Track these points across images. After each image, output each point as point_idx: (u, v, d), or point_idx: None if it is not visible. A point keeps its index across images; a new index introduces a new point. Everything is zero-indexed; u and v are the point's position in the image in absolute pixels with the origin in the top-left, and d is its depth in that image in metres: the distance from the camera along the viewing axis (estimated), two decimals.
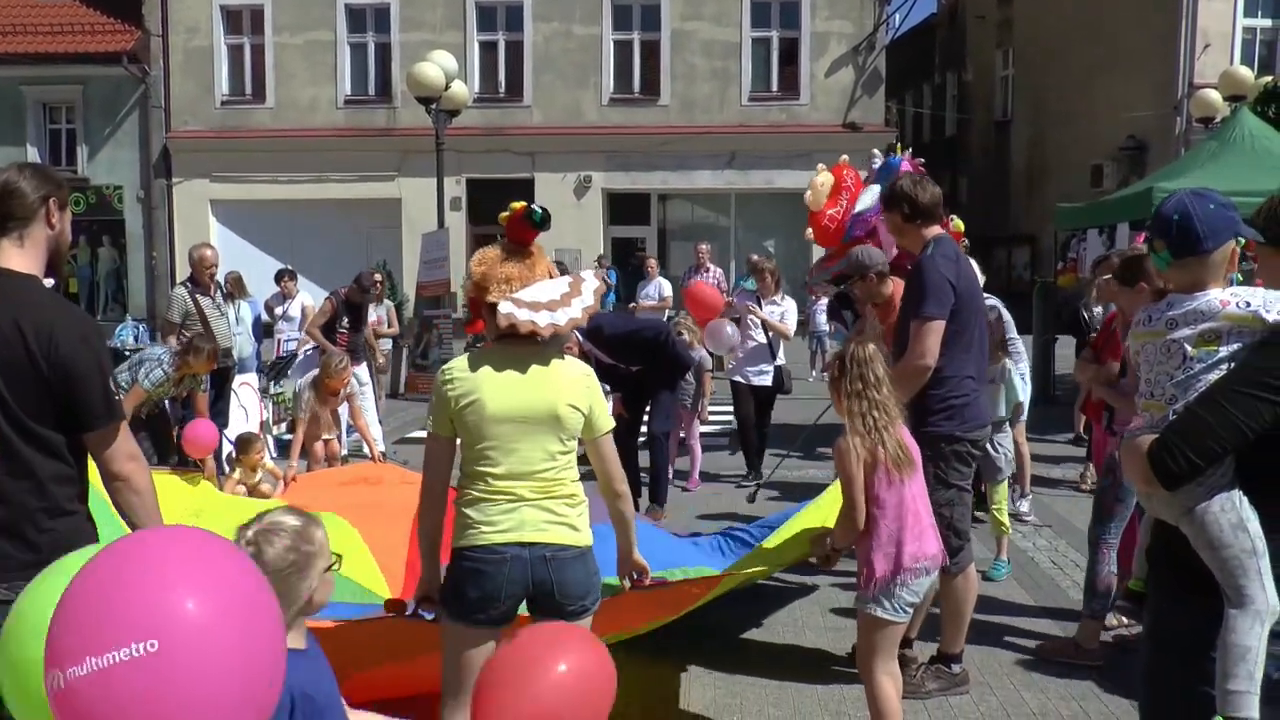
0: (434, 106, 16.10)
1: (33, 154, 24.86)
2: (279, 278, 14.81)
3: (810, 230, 8.77)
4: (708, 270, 16.35)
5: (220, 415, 10.08)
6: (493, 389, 3.35)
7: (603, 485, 3.58)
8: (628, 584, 3.81)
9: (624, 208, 24.51)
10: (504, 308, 3.34)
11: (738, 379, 9.71)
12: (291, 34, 24.63)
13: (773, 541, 5.25)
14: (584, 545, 3.43)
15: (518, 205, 3.48)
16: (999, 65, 30.31)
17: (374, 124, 24.57)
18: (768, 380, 9.58)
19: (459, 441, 3.43)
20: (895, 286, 6.02)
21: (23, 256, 3.01)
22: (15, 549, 2.90)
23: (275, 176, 24.56)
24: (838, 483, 4.53)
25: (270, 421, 11.40)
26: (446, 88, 15.95)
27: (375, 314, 12.33)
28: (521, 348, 3.40)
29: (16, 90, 24.66)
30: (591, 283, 3.49)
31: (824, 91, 24.19)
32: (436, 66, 15.73)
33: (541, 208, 3.48)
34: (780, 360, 9.66)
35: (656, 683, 5.15)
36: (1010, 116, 30.00)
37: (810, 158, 23.66)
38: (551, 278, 3.50)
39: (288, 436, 11.42)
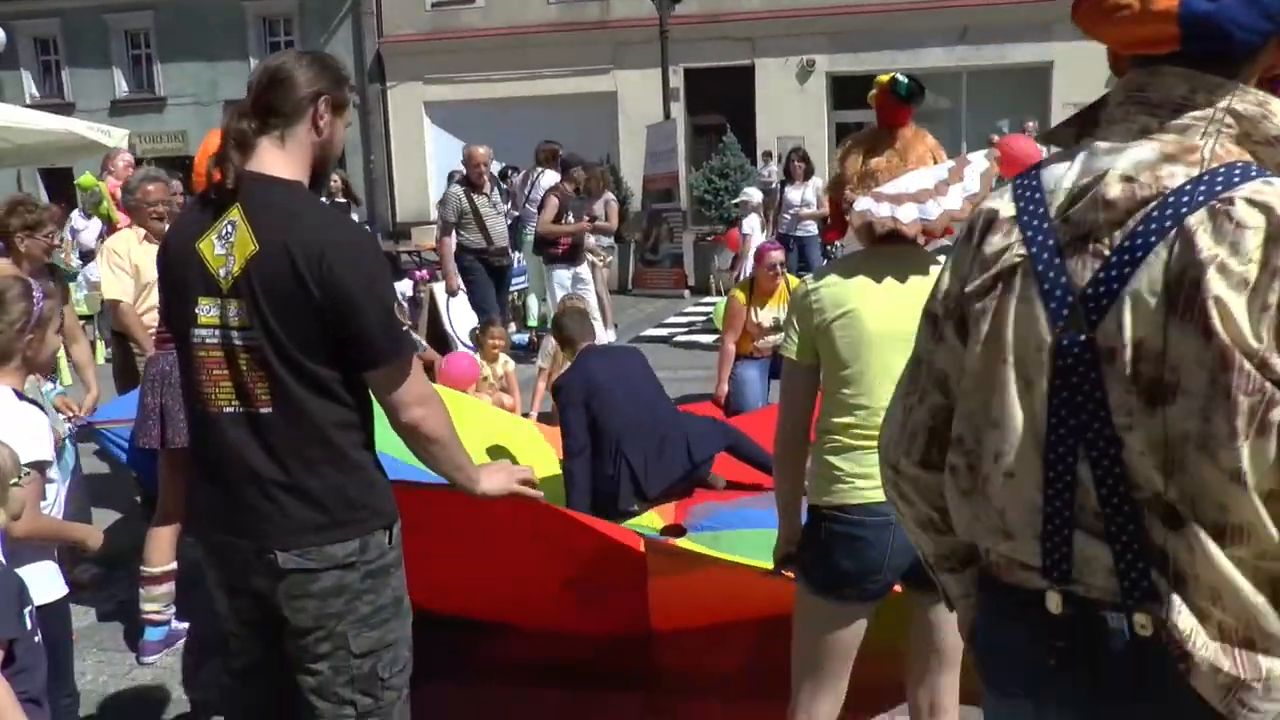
0: None
1: (254, 68, 25.37)
2: (503, 175, 14.51)
3: None
4: None
5: (503, 311, 10.16)
6: (871, 302, 2.64)
7: None
8: None
9: (848, 92, 22.96)
10: (860, 205, 2.67)
11: None
12: None
13: None
14: None
15: (883, 79, 2.78)
16: None
17: (586, 17, 23.81)
18: None
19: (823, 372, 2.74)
20: None
21: (284, 159, 2.46)
22: (301, 508, 2.42)
23: (487, 76, 24.29)
24: None
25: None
26: None
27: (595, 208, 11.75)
28: (900, 252, 2.71)
29: (238, 6, 25.34)
30: (979, 165, 2.71)
31: None
32: None
33: (910, 77, 2.76)
34: None
35: None
36: None
37: (1049, 29, 21.95)
38: (935, 163, 2.76)
39: (517, 337, 11.11)
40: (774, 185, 15.57)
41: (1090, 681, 1.55)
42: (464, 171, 10.43)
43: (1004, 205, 1.62)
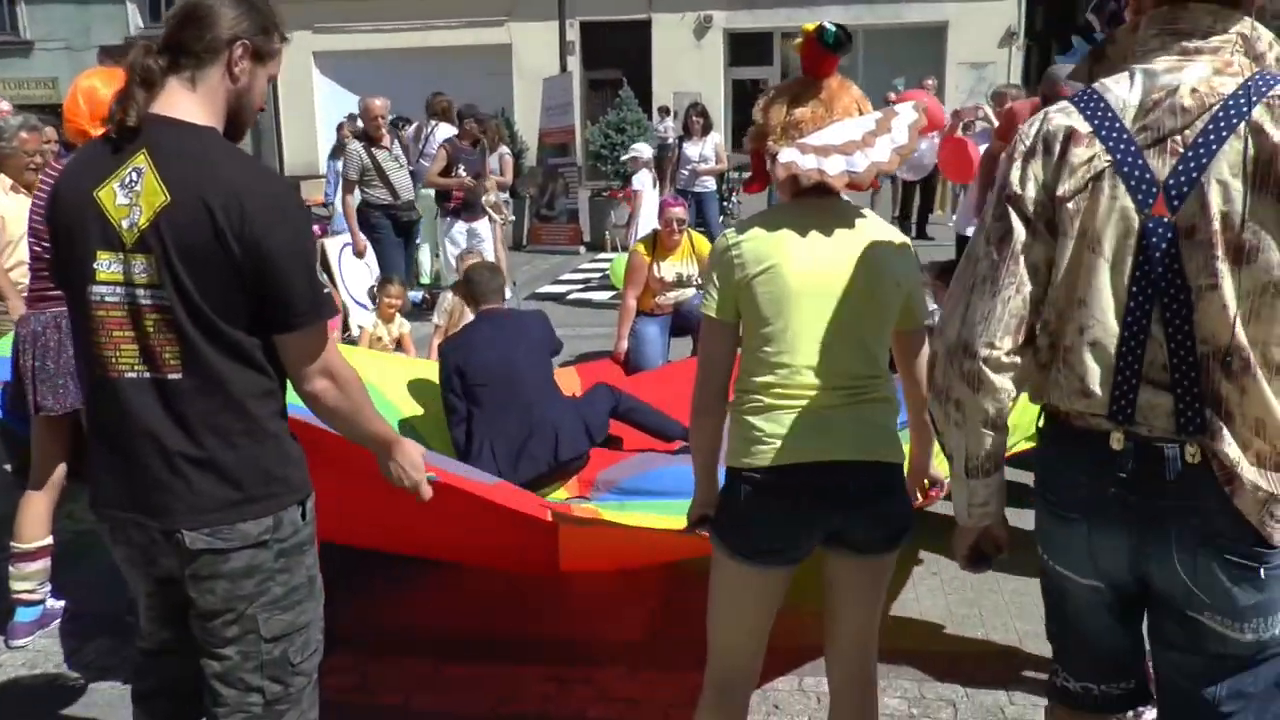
0: None
1: (133, 12, 24.45)
2: (395, 125, 14.15)
3: None
4: None
5: (408, 268, 10.00)
6: (795, 256, 2.53)
7: (910, 387, 2.82)
8: (919, 497, 3.08)
9: (745, 49, 23.09)
10: (784, 156, 2.54)
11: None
12: None
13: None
14: (902, 461, 2.66)
15: (809, 26, 2.64)
16: None
17: None
18: None
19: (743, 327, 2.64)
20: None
21: (195, 103, 2.25)
22: (213, 483, 2.25)
23: (379, 25, 23.80)
24: None
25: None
26: None
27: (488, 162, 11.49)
28: (824, 204, 2.61)
29: None
30: (907, 116, 2.61)
31: None
32: None
33: (837, 25, 2.64)
34: None
35: None
36: None
37: None
38: (861, 114, 2.65)
39: (412, 294, 10.85)
40: (671, 141, 15.46)
41: (1143, 508, 1.96)
42: (358, 126, 10.12)
43: (1077, 122, 2.01)
